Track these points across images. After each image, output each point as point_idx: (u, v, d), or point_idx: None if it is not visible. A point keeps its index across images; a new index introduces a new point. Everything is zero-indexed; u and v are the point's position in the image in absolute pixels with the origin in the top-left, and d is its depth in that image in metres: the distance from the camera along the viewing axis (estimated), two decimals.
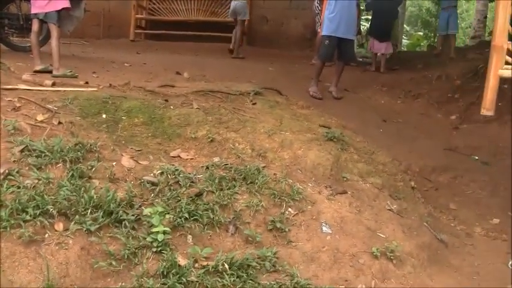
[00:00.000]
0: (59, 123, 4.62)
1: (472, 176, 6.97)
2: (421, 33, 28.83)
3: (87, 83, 6.44)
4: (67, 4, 7.57)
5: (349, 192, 5.01)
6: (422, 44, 25.42)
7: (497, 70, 4.73)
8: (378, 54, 12.83)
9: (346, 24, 9.13)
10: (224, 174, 4.53)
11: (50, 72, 7.30)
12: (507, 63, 4.74)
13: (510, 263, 4.98)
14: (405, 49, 23.39)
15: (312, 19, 13.11)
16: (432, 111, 9.98)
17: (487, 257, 5.11)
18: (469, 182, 6.85)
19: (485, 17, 20.34)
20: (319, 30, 10.80)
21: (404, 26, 25.72)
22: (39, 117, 4.63)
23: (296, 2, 15.55)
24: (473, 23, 21.24)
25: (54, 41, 7.45)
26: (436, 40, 18.73)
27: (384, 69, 12.50)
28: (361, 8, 14.68)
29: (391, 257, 4.40)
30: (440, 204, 6.14)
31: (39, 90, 5.44)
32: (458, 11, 16.02)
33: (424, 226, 5.17)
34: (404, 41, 26.78)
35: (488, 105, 4.82)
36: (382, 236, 4.67)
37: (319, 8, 11.98)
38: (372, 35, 13.10)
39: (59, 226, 3.53)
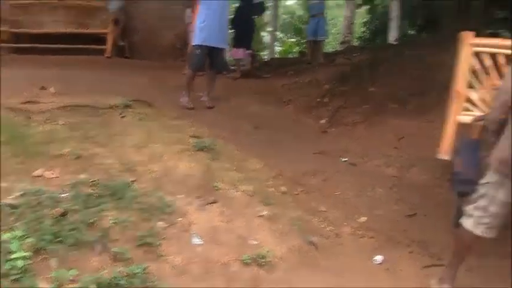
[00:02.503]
0: None
1: (341, 178, 7.18)
2: (293, 40, 29.45)
3: None
4: None
5: (220, 202, 5.04)
6: (294, 50, 25.97)
7: (456, 116, 4.93)
8: (241, 60, 13.10)
9: (217, 33, 9.20)
10: (91, 191, 4.44)
11: None
12: (465, 109, 4.94)
13: (375, 258, 5.19)
14: (278, 56, 23.81)
15: (184, 29, 13.15)
16: (303, 116, 10.23)
17: (355, 255, 5.27)
18: (338, 184, 7.04)
19: (352, 23, 21.16)
20: (190, 39, 10.83)
21: (277, 33, 26.23)
22: None
23: (167, 12, 15.46)
24: (342, 29, 22.04)
25: None
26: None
27: (251, 74, 12.71)
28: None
29: (263, 263, 4.45)
30: (311, 207, 6.27)
31: None
32: (328, 18, 16.56)
33: (294, 230, 5.27)
34: (278, 48, 27.28)
35: (445, 151, 5.03)
36: (253, 242, 4.72)
37: (192, 16, 12.03)
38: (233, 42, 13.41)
39: None
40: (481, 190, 4.15)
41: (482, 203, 4.13)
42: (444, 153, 4.98)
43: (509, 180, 4.00)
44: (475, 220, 4.17)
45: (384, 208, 6.48)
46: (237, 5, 13.79)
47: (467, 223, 4.21)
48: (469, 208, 4.21)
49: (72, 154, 4.95)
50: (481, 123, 4.53)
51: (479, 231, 4.16)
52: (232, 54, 13.39)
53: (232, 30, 13.66)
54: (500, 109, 4.15)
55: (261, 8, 14.22)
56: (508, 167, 3.97)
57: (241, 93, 11.04)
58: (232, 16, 13.63)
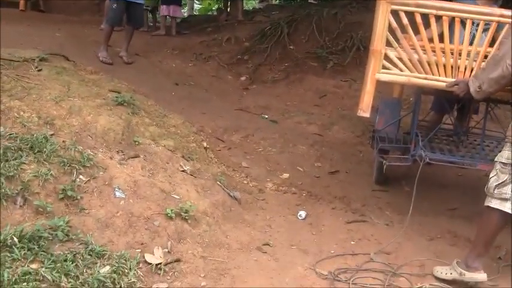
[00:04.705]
0: None
1: (262, 135, 7.24)
2: None
3: None
4: None
5: (141, 156, 4.98)
6: (213, 8, 25.71)
7: (374, 74, 4.90)
8: (168, 18, 12.88)
9: None
10: (9, 144, 4.29)
11: None
12: (384, 67, 4.91)
13: (299, 214, 5.27)
14: (197, 13, 23.55)
15: None
16: (223, 73, 10.23)
17: (278, 211, 5.35)
18: (259, 140, 7.10)
19: None
20: None
21: None
22: None
23: None
24: None
25: None
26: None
27: (175, 33, 12.56)
28: None
29: (186, 217, 4.44)
30: (233, 163, 6.31)
31: None
32: None
33: (217, 185, 5.27)
34: (196, 6, 26.97)
35: (365, 108, 4.97)
36: (176, 197, 4.70)
37: None
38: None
39: None
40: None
41: None
42: (364, 111, 5.04)
43: None
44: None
45: (306, 165, 6.59)
46: None
47: (505, 206, 4.00)
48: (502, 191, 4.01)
49: None
50: (457, 88, 4.54)
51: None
52: (161, 11, 13.15)
53: None
54: (496, 85, 4.08)
55: None
56: None
57: (160, 50, 10.91)
58: None
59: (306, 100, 8.79)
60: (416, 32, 4.81)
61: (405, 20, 4.77)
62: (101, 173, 4.50)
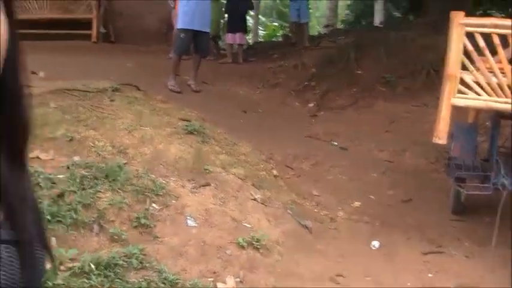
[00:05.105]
0: None
1: (332, 162, 7.14)
2: (276, 24, 29.28)
3: None
4: None
5: (212, 184, 4.98)
6: (278, 34, 25.85)
7: (449, 99, 4.80)
8: (234, 45, 12.96)
9: (200, 17, 9.10)
10: (85, 173, 4.36)
11: None
12: (459, 92, 4.82)
13: (372, 243, 5.14)
14: (262, 40, 23.66)
15: (168, 13, 13.00)
16: (290, 99, 10.18)
17: (351, 240, 5.25)
18: (329, 168, 7.00)
19: (337, 6, 21.04)
20: (174, 23, 10.71)
21: (260, 17, 26.04)
22: None
23: None
24: (325, 12, 21.91)
25: None
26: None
27: (242, 60, 12.63)
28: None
29: (258, 246, 4.40)
30: (303, 191, 6.24)
31: None
32: (310, 1, 16.45)
33: (288, 214, 5.22)
34: (261, 32, 27.13)
35: (440, 134, 4.90)
36: (247, 226, 4.67)
37: (174, 1, 11.89)
38: (226, 27, 13.31)
39: None
40: None
41: None
42: (439, 138, 4.89)
43: None
44: None
45: (378, 193, 6.43)
46: None
47: None
48: None
49: (65, 136, 4.85)
50: None
51: None
52: (226, 39, 13.30)
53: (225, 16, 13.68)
54: None
55: (249, 3, 14.19)
56: None
57: (227, 77, 10.95)
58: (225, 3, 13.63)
59: (376, 126, 8.64)
60: (494, 53, 4.66)
61: (482, 43, 4.64)
62: (173, 201, 4.52)
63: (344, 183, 6.65)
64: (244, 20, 13.60)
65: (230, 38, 13.00)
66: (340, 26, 21.33)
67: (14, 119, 0.91)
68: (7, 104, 0.89)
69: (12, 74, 0.90)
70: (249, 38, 21.48)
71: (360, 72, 10.51)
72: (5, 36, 0.86)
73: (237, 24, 12.98)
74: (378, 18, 16.10)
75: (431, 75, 9.48)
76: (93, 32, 14.22)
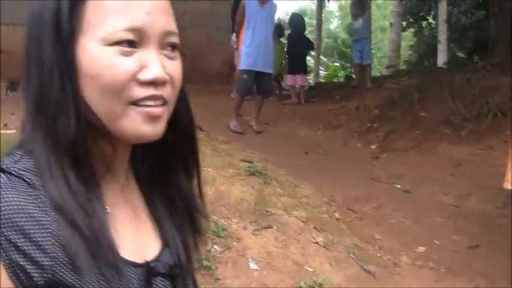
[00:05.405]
0: None
1: (395, 205, 7.01)
2: (337, 64, 29.29)
3: None
4: None
5: (274, 227, 4.95)
6: (339, 74, 25.80)
7: None
8: (296, 86, 13.01)
9: (263, 57, 9.17)
10: None
11: None
12: None
13: None
14: (323, 80, 23.66)
15: (230, 53, 13.15)
16: (352, 141, 10.09)
17: (414, 286, 5.11)
18: (392, 211, 6.87)
19: (399, 46, 20.92)
20: (237, 64, 10.81)
21: (321, 57, 26.08)
22: None
23: (213, 37, 15.50)
24: (387, 52, 21.80)
25: None
26: (353, 70, 19.06)
27: (303, 101, 12.63)
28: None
29: None
30: (366, 234, 6.13)
31: None
32: (372, 41, 16.44)
33: (350, 258, 5.14)
34: (322, 73, 27.13)
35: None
36: (309, 269, 4.61)
37: (237, 42, 12.02)
38: (287, 69, 13.41)
39: None
40: None
41: None
42: (510, 183, 4.75)
43: None
44: None
45: (443, 238, 6.26)
46: (289, 32, 13.97)
47: None
48: None
49: None
50: None
51: None
52: (287, 81, 13.40)
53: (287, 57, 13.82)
54: None
55: (310, 44, 14.40)
56: None
57: (288, 118, 10.95)
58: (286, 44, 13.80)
59: (440, 169, 8.46)
60: None
61: None
62: (235, 243, 4.50)
63: (407, 227, 6.51)
64: (305, 61, 13.68)
65: (291, 80, 13.08)
66: (402, 66, 21.20)
67: (188, 140, 1.14)
68: (182, 127, 1.11)
69: (184, 104, 1.12)
70: (310, 79, 21.53)
71: (423, 114, 10.36)
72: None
73: (297, 66, 13.08)
74: (441, 59, 15.84)
75: (497, 117, 9.27)
76: None
